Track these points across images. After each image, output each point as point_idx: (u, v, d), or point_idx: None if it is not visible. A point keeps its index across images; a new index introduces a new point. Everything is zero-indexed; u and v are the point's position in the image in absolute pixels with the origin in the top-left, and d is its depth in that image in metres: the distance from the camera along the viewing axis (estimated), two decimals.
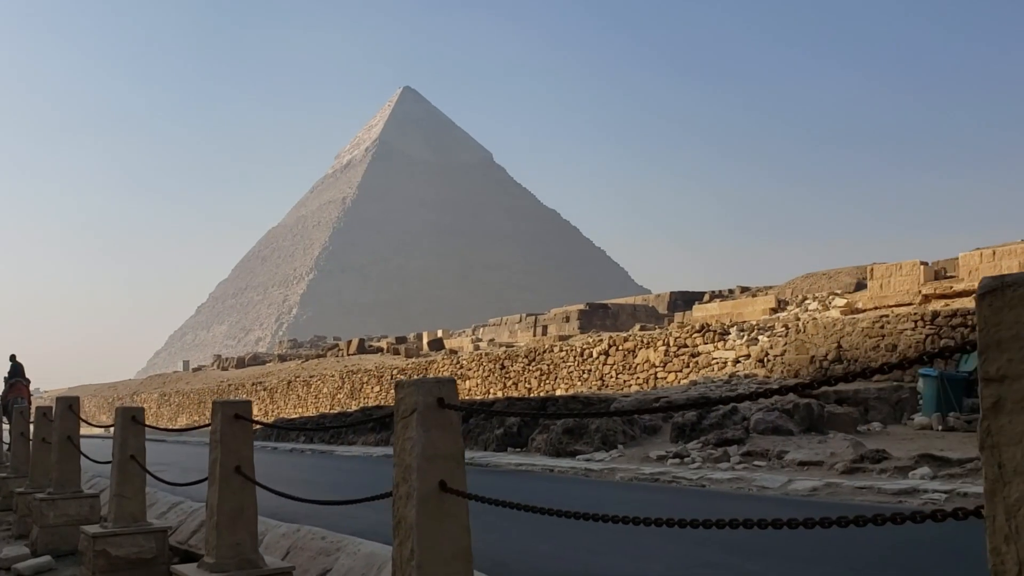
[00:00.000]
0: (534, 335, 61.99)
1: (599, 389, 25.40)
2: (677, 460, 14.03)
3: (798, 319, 25.15)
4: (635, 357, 24.70)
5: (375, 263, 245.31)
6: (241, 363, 72.07)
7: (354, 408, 36.01)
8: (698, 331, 23.30)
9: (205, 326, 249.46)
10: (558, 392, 27.01)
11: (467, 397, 30.55)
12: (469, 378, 31.67)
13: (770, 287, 62.16)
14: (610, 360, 25.58)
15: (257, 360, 72.94)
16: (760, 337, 21.89)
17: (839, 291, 36.38)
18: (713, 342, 22.67)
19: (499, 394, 29.63)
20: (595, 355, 26.10)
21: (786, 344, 20.92)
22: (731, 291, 68.21)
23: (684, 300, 69.89)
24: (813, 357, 20.44)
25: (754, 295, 57.47)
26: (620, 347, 25.30)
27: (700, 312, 35.03)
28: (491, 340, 62.88)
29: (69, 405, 9.68)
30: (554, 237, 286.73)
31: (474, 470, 15.28)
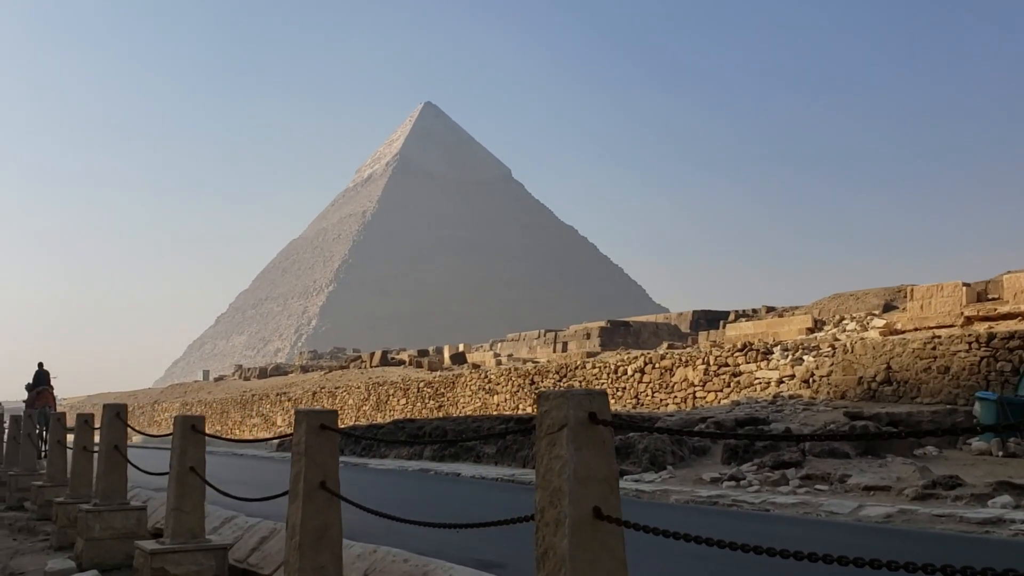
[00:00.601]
0: (554, 351, 61.50)
1: (634, 408, 24.87)
2: (733, 483, 13.51)
3: (836, 340, 24.60)
4: (672, 376, 24.17)
5: (393, 276, 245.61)
6: (263, 373, 71.87)
7: (380, 420, 35.61)
8: (739, 350, 22.76)
9: (224, 336, 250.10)
10: None
11: (497, 412, 30.09)
12: (497, 393, 31.20)
13: (796, 307, 61.37)
14: (646, 378, 25.05)
15: (279, 371, 72.74)
16: (805, 357, 21.33)
17: (876, 312, 35.73)
18: (756, 361, 22.11)
19: (529, 410, 29.15)
20: (630, 372, 25.58)
21: (832, 365, 20.36)
22: (755, 311, 67.52)
23: (707, 319, 69.26)
24: (861, 378, 19.86)
25: (781, 315, 56.77)
26: (657, 365, 24.78)
27: (733, 331, 34.44)
28: (509, 355, 62.42)
29: (116, 413, 9.31)
30: (571, 254, 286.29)
31: (518, 488, 14.83)
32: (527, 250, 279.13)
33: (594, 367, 26.96)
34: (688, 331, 66.60)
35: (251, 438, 38.92)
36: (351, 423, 37.84)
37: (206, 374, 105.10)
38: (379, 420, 36.24)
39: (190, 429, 7.25)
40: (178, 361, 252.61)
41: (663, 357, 25.03)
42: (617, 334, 63.03)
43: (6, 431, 19.36)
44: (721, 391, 22.72)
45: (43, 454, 18.59)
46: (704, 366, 23.35)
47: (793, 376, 21.18)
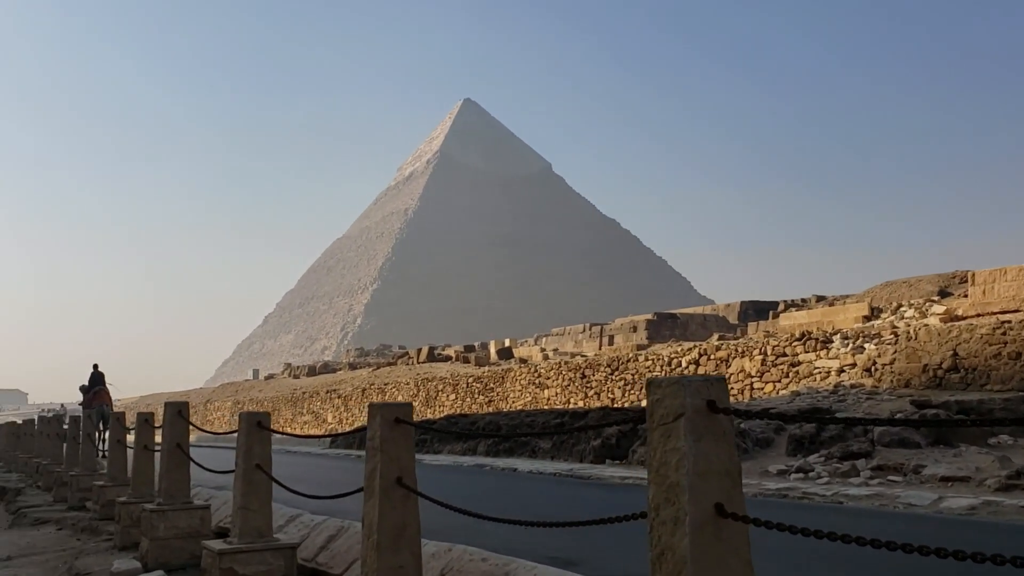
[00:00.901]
0: (599, 345, 60.99)
1: None
2: (801, 475, 13.09)
3: (895, 327, 23.86)
4: (728, 367, 23.68)
5: (437, 273, 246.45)
6: (312, 371, 72.40)
7: (430, 416, 35.54)
8: (798, 339, 22.19)
9: (272, 335, 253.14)
10: (643, 403, 26.09)
11: (547, 407, 29.82)
12: (548, 387, 30.92)
13: (847, 296, 60.19)
14: (700, 370, 24.57)
15: (328, 368, 73.24)
16: (866, 345, 20.71)
17: (932, 298, 34.75)
18: (815, 350, 21.53)
19: (580, 404, 28.84)
20: (684, 364, 25.13)
21: (895, 352, 19.74)
22: (804, 300, 66.33)
23: (755, 309, 68.20)
24: (926, 366, 19.22)
25: (832, 304, 55.65)
26: (712, 356, 24.30)
27: (787, 321, 33.76)
28: (555, 350, 62.06)
29: (179, 411, 9.20)
30: (614, 247, 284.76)
31: (579, 483, 14.56)
32: (569, 244, 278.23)
33: (647, 359, 26.55)
34: (736, 322, 65.71)
35: (306, 434, 39.18)
36: None
37: (255, 373, 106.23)
38: (429, 416, 36.18)
39: (255, 426, 7.09)
40: (228, 361, 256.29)
41: (718, 348, 24.54)
42: (664, 326, 62.37)
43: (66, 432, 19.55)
44: (779, 381, 22.18)
45: (102, 453, 18.79)
46: (761, 356, 22.82)
47: (854, 365, 20.59)
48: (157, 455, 11.02)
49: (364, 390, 43.47)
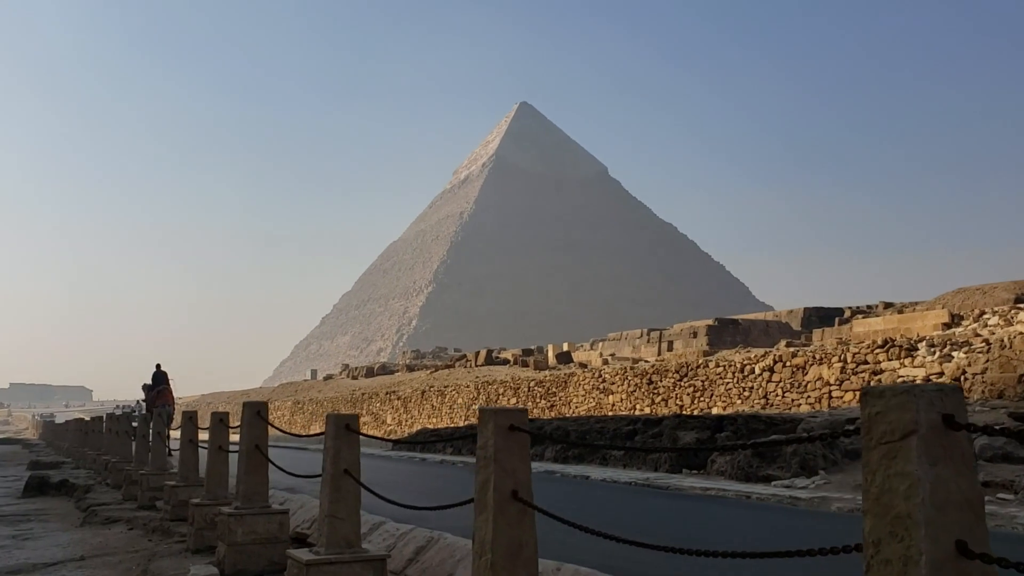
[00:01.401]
0: (659, 351, 60.03)
1: (762, 408, 23.61)
2: None
3: (977, 335, 22.73)
4: (805, 374, 22.80)
5: (491, 276, 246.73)
6: (370, 372, 72.66)
7: None
8: (880, 346, 21.24)
9: (329, 336, 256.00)
10: (714, 410, 25.34)
11: (612, 412, 29.21)
12: (613, 393, 30.29)
13: (917, 303, 58.41)
14: (775, 377, 23.73)
15: (385, 370, 73.44)
16: (955, 354, 19.71)
17: (1006, 305, 33.27)
18: (899, 359, 20.58)
19: (647, 411, 28.17)
20: (757, 371, 24.30)
21: (988, 362, 18.72)
22: (870, 307, 64.52)
23: (819, 316, 66.64)
24: (1022, 376, 18.20)
25: (901, 311, 53.99)
26: (788, 363, 23.44)
27: (860, 327, 32.63)
28: (612, 355, 61.26)
29: (257, 411, 8.88)
30: (671, 251, 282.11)
31: (658, 494, 13.96)
32: (625, 248, 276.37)
33: (718, 365, 25.77)
34: (800, 329, 64.24)
35: (383, 436, 39.05)
36: (461, 423, 37.54)
37: (314, 373, 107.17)
38: None
39: (344, 429, 6.68)
40: (285, 361, 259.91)
41: (794, 355, 23.67)
42: (726, 332, 61.25)
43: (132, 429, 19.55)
44: (859, 390, 21.25)
45: (170, 451, 18.74)
46: (840, 364, 21.91)
47: (941, 374, 19.60)
48: (231, 456, 10.80)
49: (423, 392, 43.28)
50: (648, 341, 63.96)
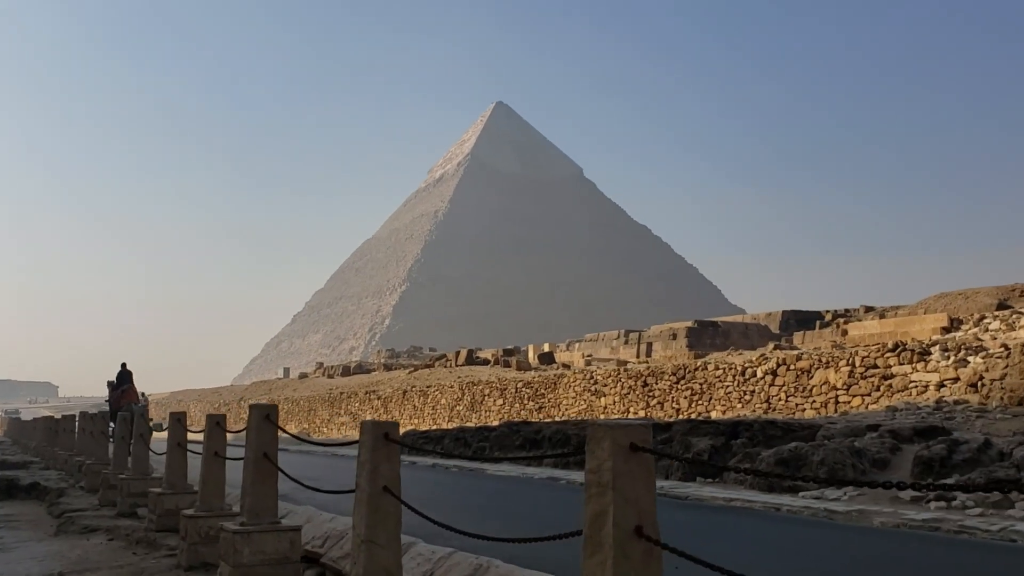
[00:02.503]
0: (637, 353, 59.40)
1: (764, 413, 22.89)
2: (942, 504, 11.56)
3: (978, 339, 22.17)
4: (811, 378, 22.08)
5: (466, 276, 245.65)
6: (346, 371, 71.35)
7: (475, 422, 34.19)
8: (891, 350, 20.57)
9: (301, 334, 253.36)
10: (713, 415, 24.59)
11: (603, 415, 28.37)
12: (605, 395, 29.45)
13: (897, 307, 58.34)
14: (778, 380, 23.02)
15: (362, 369, 72.19)
16: (970, 358, 19.08)
17: (990, 311, 32.93)
18: (911, 363, 19.92)
19: (641, 414, 27.38)
20: (760, 374, 23.57)
21: (1007, 367, 18.09)
22: (848, 311, 64.34)
23: (797, 319, 66.48)
24: None
25: (883, 315, 53.71)
26: (792, 366, 22.71)
27: (856, 331, 32.09)
28: (590, 356, 60.53)
29: (266, 415, 7.88)
30: (645, 253, 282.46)
31: (673, 504, 13.09)
32: (599, 249, 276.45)
33: (717, 368, 25.00)
34: (778, 331, 64.05)
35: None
36: (444, 424, 36.55)
37: (286, 371, 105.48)
38: (474, 421, 34.82)
39: (383, 438, 5.74)
40: (256, 359, 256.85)
41: (799, 358, 22.96)
42: (705, 335, 60.81)
43: (110, 430, 18.41)
44: (868, 395, 20.57)
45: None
46: (848, 368, 21.21)
47: (957, 379, 18.96)
48: (226, 463, 9.79)
49: (405, 392, 42.23)
50: (626, 342, 63.32)
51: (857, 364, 21.09)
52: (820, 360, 22.07)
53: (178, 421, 12.03)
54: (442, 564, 6.42)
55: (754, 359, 24.41)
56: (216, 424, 9.73)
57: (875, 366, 20.71)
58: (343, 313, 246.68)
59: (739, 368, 24.27)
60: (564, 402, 31.31)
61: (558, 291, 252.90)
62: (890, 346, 20.73)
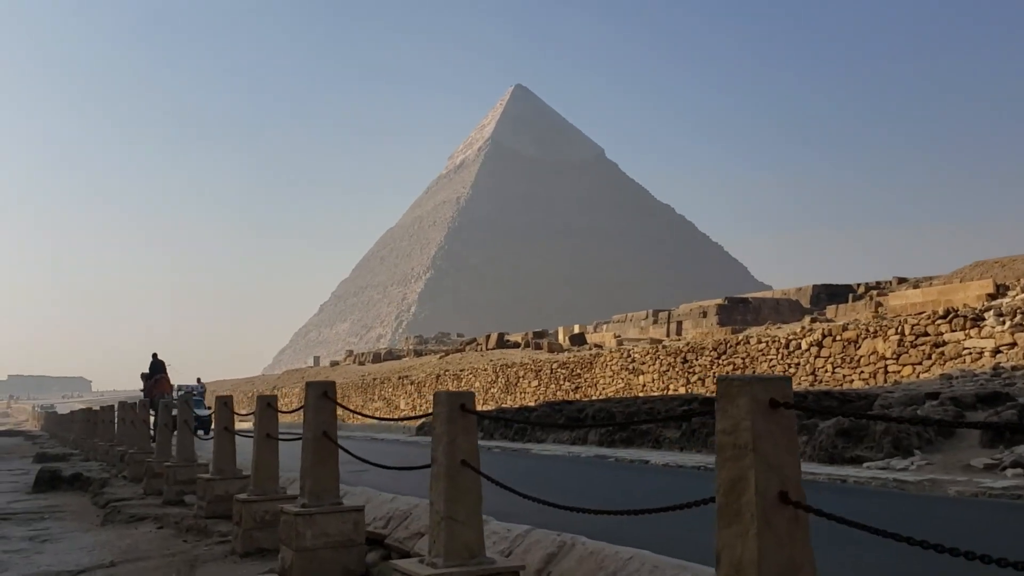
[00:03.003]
0: (667, 332, 58.85)
1: (811, 386, 22.36)
2: (1019, 470, 11.06)
3: None
4: (858, 348, 21.53)
5: (489, 261, 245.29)
6: (377, 358, 71.35)
7: (511, 403, 33.90)
8: (942, 317, 19.97)
9: (328, 324, 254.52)
10: None
11: (643, 394, 27.96)
12: (644, 373, 29.01)
13: (931, 277, 57.41)
14: (823, 352, 22.47)
15: (392, 355, 72.14)
16: None
17: None
18: (963, 329, 19.32)
19: (682, 390, 26.92)
20: (804, 346, 23.02)
21: None
22: (880, 283, 63.45)
23: (828, 293, 65.83)
24: None
25: (916, 286, 52.82)
26: (838, 337, 22.15)
27: (898, 300, 31.37)
28: (618, 336, 60.04)
29: (324, 392, 7.56)
30: (669, 233, 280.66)
31: None
32: (623, 231, 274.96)
33: (759, 342, 24.47)
34: (809, 306, 63.39)
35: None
36: (480, 407, 36.30)
37: (317, 360, 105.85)
38: (509, 403, 34.54)
39: (459, 410, 5.37)
40: (285, 349, 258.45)
41: (845, 328, 22.38)
42: (736, 311, 60.28)
43: (152, 418, 18.25)
44: (919, 364, 19.99)
45: (152, 439, 17.53)
46: (897, 336, 20.62)
47: (1014, 344, 18.35)
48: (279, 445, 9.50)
49: (438, 376, 42.01)
50: (655, 322, 62.84)
51: (907, 332, 20.50)
52: (867, 330, 21.51)
53: (225, 404, 11.77)
54: (520, 542, 6.05)
55: (798, 331, 23.87)
56: (267, 405, 9.43)
57: (925, 334, 20.12)
58: (369, 302, 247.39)
59: (783, 341, 23.75)
60: (601, 381, 30.91)
61: (582, 273, 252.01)
62: (940, 313, 20.13)
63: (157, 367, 26.00)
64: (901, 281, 62.12)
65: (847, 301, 55.43)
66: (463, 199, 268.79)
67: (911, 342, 20.33)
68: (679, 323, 61.31)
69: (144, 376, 26.37)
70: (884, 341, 20.91)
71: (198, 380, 38.42)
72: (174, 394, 23.74)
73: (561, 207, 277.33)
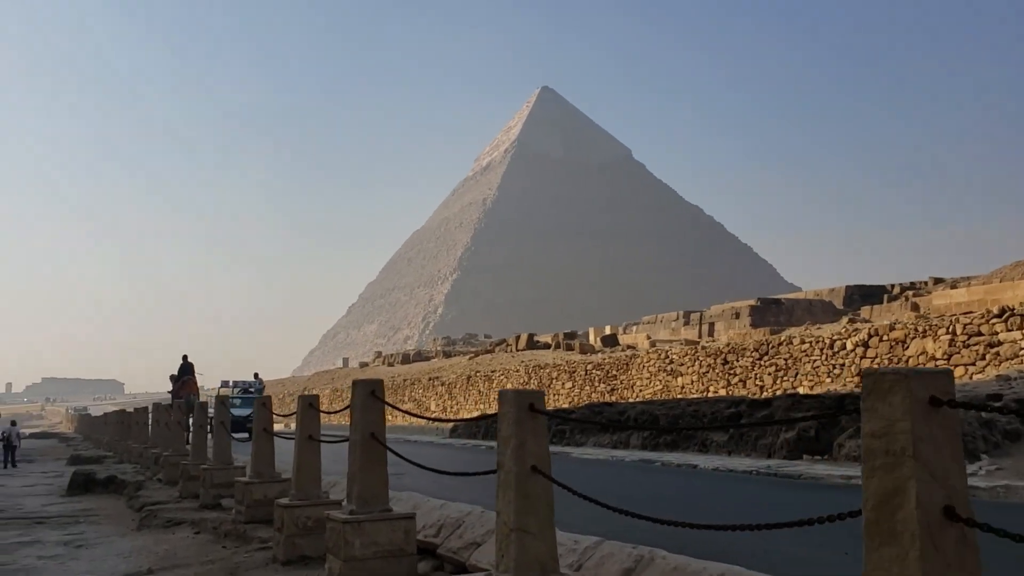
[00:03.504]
0: (699, 333, 58.07)
1: (856, 387, 21.68)
2: None
3: None
4: (906, 348, 20.83)
5: (516, 262, 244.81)
6: (406, 359, 71.12)
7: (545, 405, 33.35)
8: (997, 316, 19.24)
9: (356, 325, 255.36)
10: (800, 390, 23.43)
11: (682, 396, 27.37)
12: (682, 375, 28.41)
13: (970, 277, 56.23)
14: (871, 352, 21.78)
15: (420, 356, 71.88)
16: None
17: None
18: (1020, 328, 18.59)
19: (722, 392, 26.29)
20: (849, 347, 22.34)
21: None
22: (914, 284, 62.33)
23: (861, 294, 64.80)
24: None
25: (954, 286, 51.68)
26: (885, 337, 21.46)
27: (941, 300, 30.55)
28: (649, 338, 59.32)
29: (372, 390, 7.12)
30: (697, 234, 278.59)
31: (795, 485, 12.12)
32: (651, 232, 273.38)
33: (803, 342, 23.80)
34: (843, 307, 62.44)
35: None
36: None
37: (345, 361, 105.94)
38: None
39: (527, 410, 4.92)
40: (314, 351, 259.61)
41: (892, 327, 21.69)
42: (769, 312, 59.43)
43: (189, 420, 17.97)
44: (973, 364, 19.27)
45: (187, 439, 17.29)
46: (949, 336, 19.91)
47: None
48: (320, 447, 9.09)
49: (469, 377, 41.60)
50: (687, 323, 62.11)
51: (958, 332, 19.78)
52: (916, 329, 20.80)
53: (263, 406, 11.40)
54: (590, 554, 5.58)
55: (841, 331, 23.19)
56: (309, 406, 9.03)
57: (979, 333, 19.40)
58: (396, 303, 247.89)
59: (826, 341, 23.08)
60: (638, 383, 30.34)
61: (609, 275, 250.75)
62: (995, 312, 19.39)
63: (186, 369, 26.04)
64: (938, 281, 60.93)
65: (881, 302, 54.44)
66: (489, 200, 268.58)
67: (963, 342, 19.61)
68: (711, 324, 60.56)
69: (172, 378, 26.46)
70: (934, 341, 20.20)
71: (256, 376, 35.90)
72: (231, 391, 23.25)
73: (587, 208, 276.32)
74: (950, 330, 20.03)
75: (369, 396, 7.12)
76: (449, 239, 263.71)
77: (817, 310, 61.14)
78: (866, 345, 22.00)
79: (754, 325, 54.78)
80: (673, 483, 12.64)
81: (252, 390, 30.53)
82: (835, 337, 22.95)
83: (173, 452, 16.85)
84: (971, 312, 21.32)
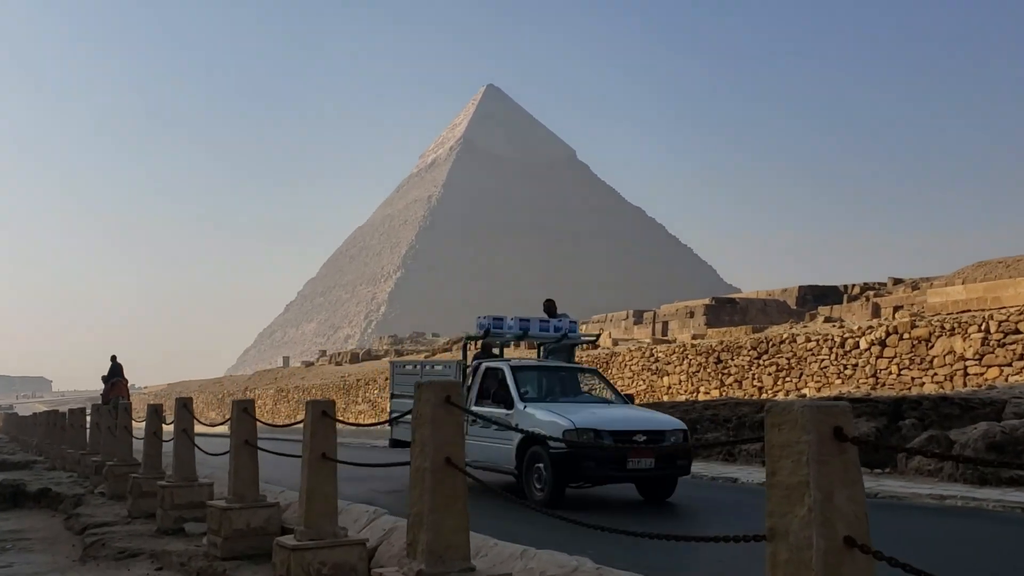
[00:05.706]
0: (652, 332, 56.79)
1: (872, 389, 20.09)
2: None
3: None
4: (930, 347, 19.29)
5: (461, 260, 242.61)
6: (355, 358, 68.34)
7: None
8: None
9: (294, 324, 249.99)
10: (806, 392, 21.79)
11: (667, 398, 25.59)
12: (669, 374, 26.62)
13: (931, 278, 55.96)
14: (888, 351, 20.21)
15: (371, 355, 69.16)
16: None
17: None
18: None
19: (715, 393, 24.56)
20: (863, 345, 20.75)
21: None
22: (867, 285, 62.04)
23: (814, 295, 64.53)
24: None
25: (915, 286, 51.18)
26: (906, 335, 19.89)
27: (937, 298, 29.28)
28: (610, 336, 57.75)
29: (323, 411, 4.93)
30: (640, 235, 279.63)
31: (879, 505, 10.24)
32: (594, 232, 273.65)
33: (809, 340, 22.16)
34: (796, 307, 61.95)
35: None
36: None
37: (287, 360, 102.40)
38: None
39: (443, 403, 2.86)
40: (249, 349, 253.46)
41: (913, 325, 20.14)
42: (723, 311, 58.49)
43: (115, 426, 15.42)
44: (1009, 365, 17.80)
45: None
46: (982, 335, 18.41)
47: None
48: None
49: None
50: (639, 322, 60.85)
51: (993, 330, 18.27)
52: (942, 327, 19.26)
53: (245, 411, 9.04)
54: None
55: (856, 329, 21.58)
56: (323, 414, 6.77)
57: (1016, 331, 17.92)
58: (337, 301, 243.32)
59: (837, 339, 21.45)
60: (619, 383, 28.45)
61: (555, 274, 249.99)
62: None
63: (115, 370, 25.29)
64: (897, 282, 60.62)
65: (838, 302, 53.89)
66: (435, 198, 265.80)
67: (998, 341, 18.10)
68: (664, 323, 59.35)
69: (105, 379, 25.54)
70: (963, 340, 18.67)
71: (563, 315, 17.98)
72: (508, 340, 13.73)
73: (533, 207, 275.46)
74: (982, 327, 18.53)
75: (320, 416, 4.94)
76: (393, 236, 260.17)
77: (772, 310, 60.40)
78: (883, 344, 20.42)
79: (708, 325, 53.60)
80: (720, 499, 10.69)
81: (568, 334, 15.69)
82: (847, 335, 21.34)
83: (119, 461, 14.31)
84: (968, 310, 19.88)
